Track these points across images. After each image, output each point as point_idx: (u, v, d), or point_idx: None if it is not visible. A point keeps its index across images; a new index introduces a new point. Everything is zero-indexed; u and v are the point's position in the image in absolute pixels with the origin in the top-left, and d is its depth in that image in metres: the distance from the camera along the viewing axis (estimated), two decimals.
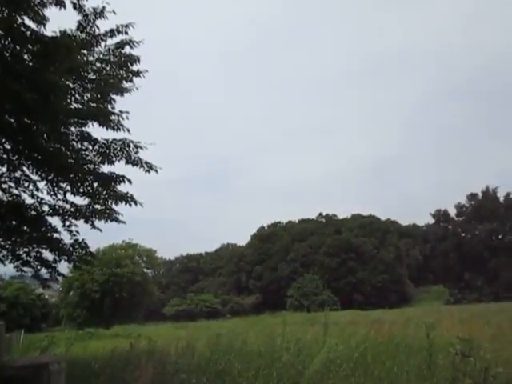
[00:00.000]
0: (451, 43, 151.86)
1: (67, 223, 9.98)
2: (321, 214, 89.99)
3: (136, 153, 8.68)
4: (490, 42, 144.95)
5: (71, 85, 7.97)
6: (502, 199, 67.33)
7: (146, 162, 8.71)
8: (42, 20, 6.99)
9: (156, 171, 8.77)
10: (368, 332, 8.73)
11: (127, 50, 8.26)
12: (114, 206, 9.47)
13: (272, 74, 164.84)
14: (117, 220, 9.81)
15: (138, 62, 8.41)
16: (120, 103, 8.73)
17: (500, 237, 65.41)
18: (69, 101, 8.07)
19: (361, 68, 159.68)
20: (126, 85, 8.69)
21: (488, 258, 62.33)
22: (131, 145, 8.56)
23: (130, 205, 9.05)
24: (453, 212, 71.11)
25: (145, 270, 55.92)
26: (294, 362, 5.16)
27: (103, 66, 8.32)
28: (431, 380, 5.15)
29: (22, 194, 9.69)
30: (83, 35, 7.75)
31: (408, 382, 5.48)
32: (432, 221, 74.75)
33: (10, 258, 10.57)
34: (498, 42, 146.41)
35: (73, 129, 8.63)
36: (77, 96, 8.21)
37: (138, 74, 8.56)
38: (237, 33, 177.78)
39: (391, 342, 7.27)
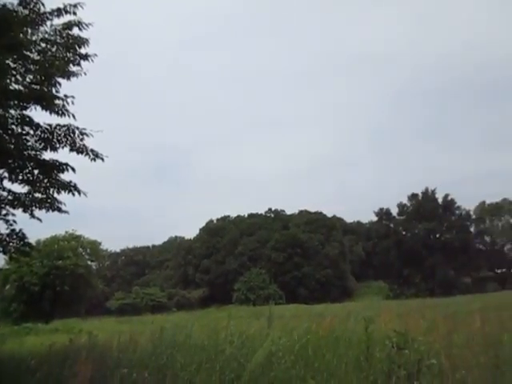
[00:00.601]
0: (390, 47, 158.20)
1: (3, 212, 9.43)
2: (270, 209, 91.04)
3: (81, 140, 8.36)
4: (431, 46, 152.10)
5: (12, 64, 7.52)
6: (440, 200, 71.05)
7: (92, 150, 8.42)
8: None
9: (102, 159, 8.50)
10: (310, 325, 8.94)
11: (75, 31, 7.92)
12: (56, 195, 9.06)
13: (231, 65, 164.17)
14: (59, 210, 9.39)
15: (87, 44, 8.07)
16: (68, 88, 8.36)
17: (437, 236, 69.06)
18: (8, 81, 7.61)
19: (314, 68, 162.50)
20: (73, 68, 8.33)
21: (426, 256, 65.65)
22: (76, 131, 8.23)
23: (74, 194, 8.71)
24: (395, 211, 74.34)
25: (88, 263, 54.09)
26: (237, 355, 5.20)
27: (48, 46, 7.93)
28: (368, 371, 5.35)
29: None
30: (26, 11, 7.32)
31: (346, 374, 5.65)
32: (375, 219, 77.80)
33: None
34: (438, 45, 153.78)
35: (12, 112, 8.16)
36: (18, 77, 7.78)
37: (86, 57, 8.22)
38: (197, 21, 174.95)
39: (332, 336, 7.49)
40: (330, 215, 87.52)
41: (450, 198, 70.33)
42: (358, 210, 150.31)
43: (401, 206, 73.46)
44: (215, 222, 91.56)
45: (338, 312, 21.54)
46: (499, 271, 68.88)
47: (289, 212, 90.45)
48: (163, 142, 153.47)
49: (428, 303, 28.84)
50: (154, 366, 5.60)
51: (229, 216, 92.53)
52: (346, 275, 77.29)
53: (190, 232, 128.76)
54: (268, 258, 75.16)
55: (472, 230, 70.76)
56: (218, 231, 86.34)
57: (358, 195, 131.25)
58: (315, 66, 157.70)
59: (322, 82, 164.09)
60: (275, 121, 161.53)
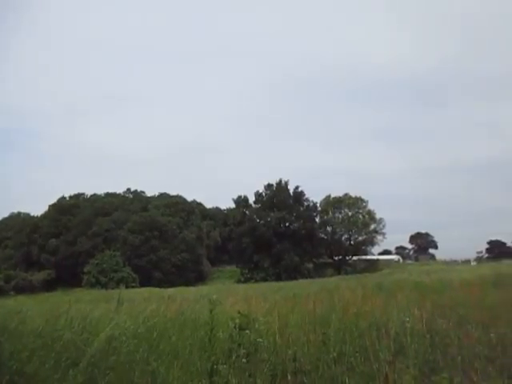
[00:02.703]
0: (270, 43, 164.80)
1: None
2: (128, 190, 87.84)
3: None
4: (303, 46, 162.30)
5: None
6: (291, 191, 76.51)
7: None
8: None
9: None
10: (158, 308, 8.94)
11: None
12: None
13: (96, 34, 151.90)
14: None
15: None
16: None
17: (287, 224, 74.32)
18: None
19: (195, 53, 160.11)
20: None
21: (275, 243, 70.22)
22: None
23: None
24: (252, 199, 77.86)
25: None
26: (77, 341, 4.97)
27: None
28: (210, 352, 5.55)
29: None
30: None
31: (190, 354, 5.80)
32: (234, 206, 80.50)
33: None
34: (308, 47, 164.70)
35: None
36: None
37: None
38: None
39: (179, 318, 7.61)
40: (191, 200, 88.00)
41: (299, 189, 76.20)
42: (221, 196, 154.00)
43: (257, 195, 77.19)
44: (68, 199, 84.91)
45: (190, 295, 21.90)
46: (337, 258, 77.13)
47: (149, 194, 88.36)
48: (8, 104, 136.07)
49: (274, 286, 30.99)
50: None
51: (83, 194, 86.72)
52: (201, 259, 78.70)
53: (38, 208, 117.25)
54: (124, 240, 72.47)
55: (317, 220, 77.82)
56: (71, 209, 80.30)
57: (223, 182, 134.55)
58: (197, 51, 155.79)
59: (200, 68, 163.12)
60: (141, 99, 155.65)
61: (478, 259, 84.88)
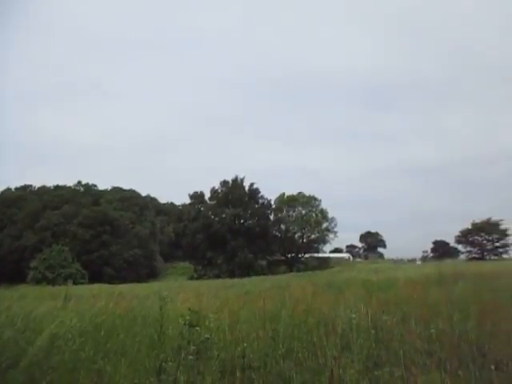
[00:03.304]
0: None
1: None
2: (79, 183, 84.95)
3: None
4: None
5: None
6: (247, 188, 76.72)
7: None
8: None
9: None
10: (107, 305, 8.75)
11: None
12: None
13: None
14: None
15: None
16: None
17: (242, 221, 74.52)
18: None
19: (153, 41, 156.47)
20: None
21: (229, 240, 70.24)
22: None
23: None
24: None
25: None
26: (18, 339, 4.77)
27: None
28: (159, 349, 5.51)
29: None
30: None
31: (138, 352, 5.73)
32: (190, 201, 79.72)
33: None
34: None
35: None
36: None
37: None
38: None
39: (129, 315, 7.49)
40: (145, 195, 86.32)
41: (255, 187, 76.57)
42: (176, 193, 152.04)
43: (213, 192, 76.85)
44: (14, 190, 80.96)
45: (141, 292, 21.54)
46: (289, 255, 78.14)
47: (101, 187, 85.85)
48: None
49: (227, 283, 31.03)
50: None
51: (31, 186, 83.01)
52: (154, 255, 77.46)
53: None
54: (73, 234, 70.04)
55: (271, 218, 78.51)
56: (16, 201, 76.62)
57: (179, 179, 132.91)
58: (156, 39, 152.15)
59: (161, 61, 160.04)
60: (101, 91, 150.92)
61: (423, 258, 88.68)
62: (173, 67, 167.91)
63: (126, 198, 79.88)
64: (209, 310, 7.81)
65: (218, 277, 59.21)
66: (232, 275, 59.98)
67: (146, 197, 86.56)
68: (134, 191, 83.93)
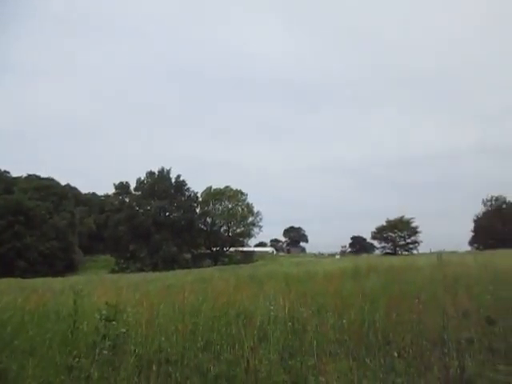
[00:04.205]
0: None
1: None
2: None
3: None
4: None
5: None
6: (173, 180, 75.50)
7: None
8: None
9: None
10: (15, 300, 8.23)
11: None
12: None
13: None
14: None
15: None
16: None
17: (167, 214, 73.29)
18: None
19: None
20: None
21: (154, 232, 68.79)
22: None
23: None
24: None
25: None
26: None
27: None
28: (73, 345, 5.31)
29: None
30: None
31: (50, 349, 5.48)
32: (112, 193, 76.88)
33: None
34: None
35: None
36: None
37: None
38: None
39: (40, 310, 7.11)
40: (65, 184, 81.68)
41: (181, 179, 75.58)
42: (99, 183, 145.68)
43: (138, 182, 74.70)
44: None
45: (57, 286, 20.46)
46: (215, 249, 78.26)
47: (14, 174, 79.91)
48: None
49: (149, 277, 30.39)
50: None
51: None
52: (72, 248, 73.62)
53: None
54: None
55: (197, 211, 78.03)
56: None
57: (103, 168, 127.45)
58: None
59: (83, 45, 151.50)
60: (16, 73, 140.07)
61: (342, 253, 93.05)
62: (97, 53, 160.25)
63: (43, 187, 74.90)
64: (127, 303, 7.64)
65: (140, 270, 57.74)
66: (155, 269, 58.81)
67: (65, 186, 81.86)
68: (52, 180, 79.00)
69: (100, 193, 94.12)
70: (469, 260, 20.17)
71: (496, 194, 77.06)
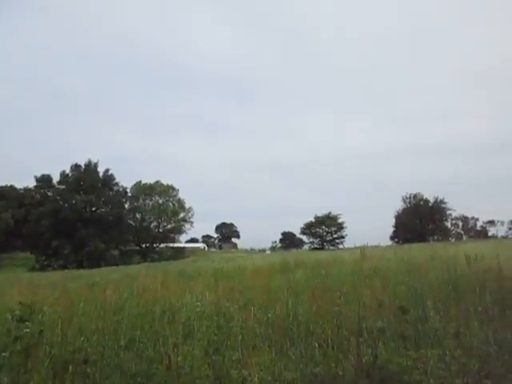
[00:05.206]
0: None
1: None
2: None
3: None
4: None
5: None
6: (101, 174, 72.48)
7: None
8: None
9: None
10: None
11: None
12: None
13: None
14: None
15: None
16: None
17: (94, 209, 70.28)
18: None
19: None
20: None
21: (79, 228, 65.68)
22: None
23: None
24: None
25: None
26: None
27: None
28: None
29: None
30: None
31: None
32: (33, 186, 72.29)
33: None
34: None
35: None
36: None
37: None
38: None
39: None
40: None
41: (110, 173, 72.79)
42: (18, 176, 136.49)
43: (63, 175, 70.89)
44: None
45: None
46: (144, 245, 76.44)
47: None
48: None
49: (73, 274, 29.09)
50: None
51: None
52: None
53: None
54: None
55: (127, 206, 75.63)
56: None
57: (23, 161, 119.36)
58: None
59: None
60: None
61: (272, 248, 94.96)
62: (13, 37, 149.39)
63: None
64: (44, 303, 7.24)
65: (64, 268, 54.86)
66: (80, 266, 56.24)
67: None
68: None
69: (19, 186, 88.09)
70: (389, 254, 21.40)
71: (414, 192, 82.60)
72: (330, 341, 5.60)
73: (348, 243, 74.56)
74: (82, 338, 5.82)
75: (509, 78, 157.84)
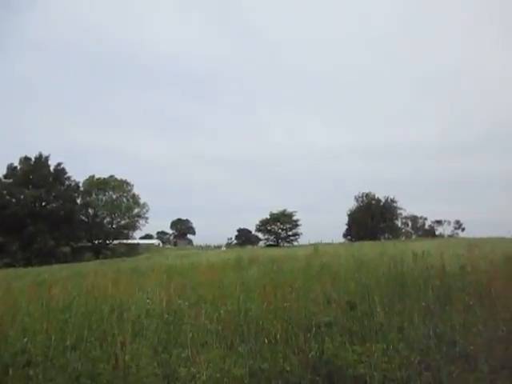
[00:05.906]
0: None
1: None
2: None
3: None
4: None
5: None
6: (52, 168, 69.68)
7: None
8: None
9: None
10: None
11: None
12: None
13: None
14: None
15: None
16: None
17: (43, 204, 67.52)
18: None
19: None
20: None
21: (28, 224, 62.94)
22: None
23: None
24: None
25: None
26: None
27: None
28: None
29: None
30: None
31: None
32: None
33: None
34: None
35: None
36: None
37: None
38: None
39: None
40: None
41: (61, 167, 70.11)
42: None
43: (10, 169, 67.58)
44: None
45: None
46: (97, 242, 74.21)
47: None
48: None
49: (19, 272, 27.90)
50: None
51: None
52: None
53: None
54: None
55: (79, 201, 73.13)
56: None
57: None
58: None
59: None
60: None
61: (228, 245, 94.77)
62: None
63: None
64: None
65: (10, 266, 52.40)
66: (28, 264, 53.89)
67: None
68: None
69: None
70: (341, 250, 21.96)
71: (366, 191, 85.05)
72: (279, 337, 5.69)
73: (303, 240, 75.72)
74: (26, 339, 5.62)
75: (455, 87, 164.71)
